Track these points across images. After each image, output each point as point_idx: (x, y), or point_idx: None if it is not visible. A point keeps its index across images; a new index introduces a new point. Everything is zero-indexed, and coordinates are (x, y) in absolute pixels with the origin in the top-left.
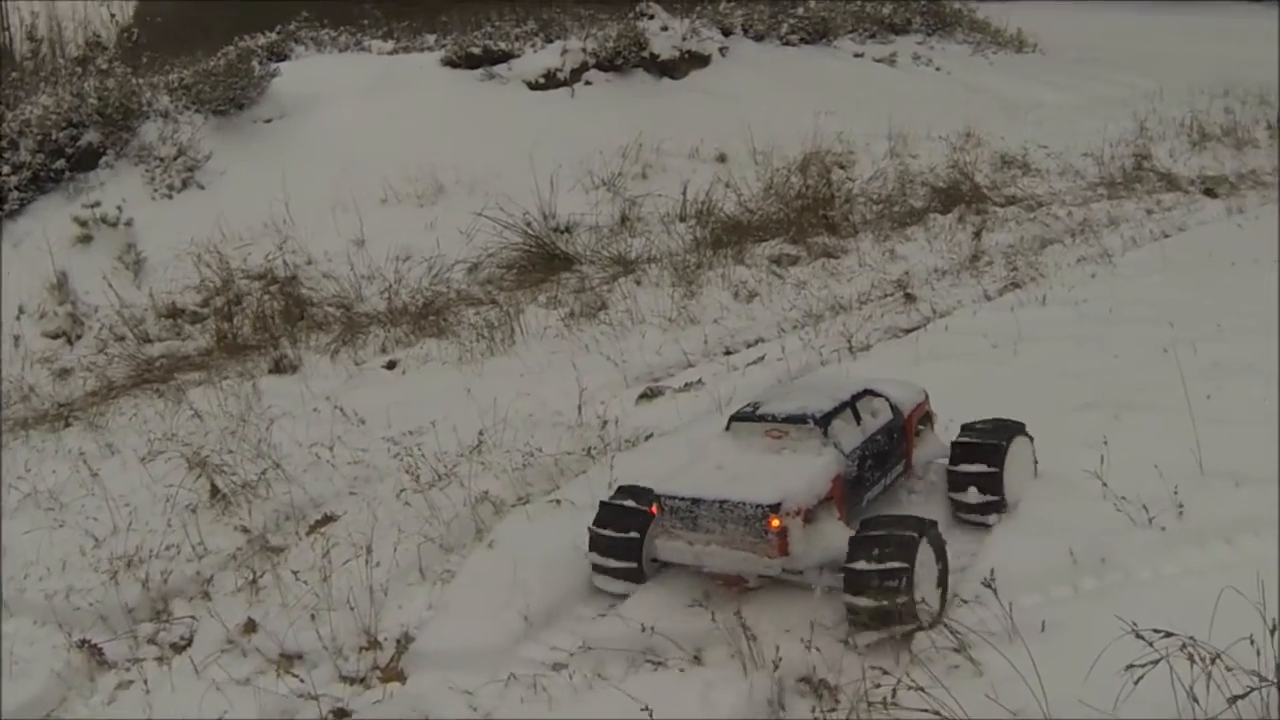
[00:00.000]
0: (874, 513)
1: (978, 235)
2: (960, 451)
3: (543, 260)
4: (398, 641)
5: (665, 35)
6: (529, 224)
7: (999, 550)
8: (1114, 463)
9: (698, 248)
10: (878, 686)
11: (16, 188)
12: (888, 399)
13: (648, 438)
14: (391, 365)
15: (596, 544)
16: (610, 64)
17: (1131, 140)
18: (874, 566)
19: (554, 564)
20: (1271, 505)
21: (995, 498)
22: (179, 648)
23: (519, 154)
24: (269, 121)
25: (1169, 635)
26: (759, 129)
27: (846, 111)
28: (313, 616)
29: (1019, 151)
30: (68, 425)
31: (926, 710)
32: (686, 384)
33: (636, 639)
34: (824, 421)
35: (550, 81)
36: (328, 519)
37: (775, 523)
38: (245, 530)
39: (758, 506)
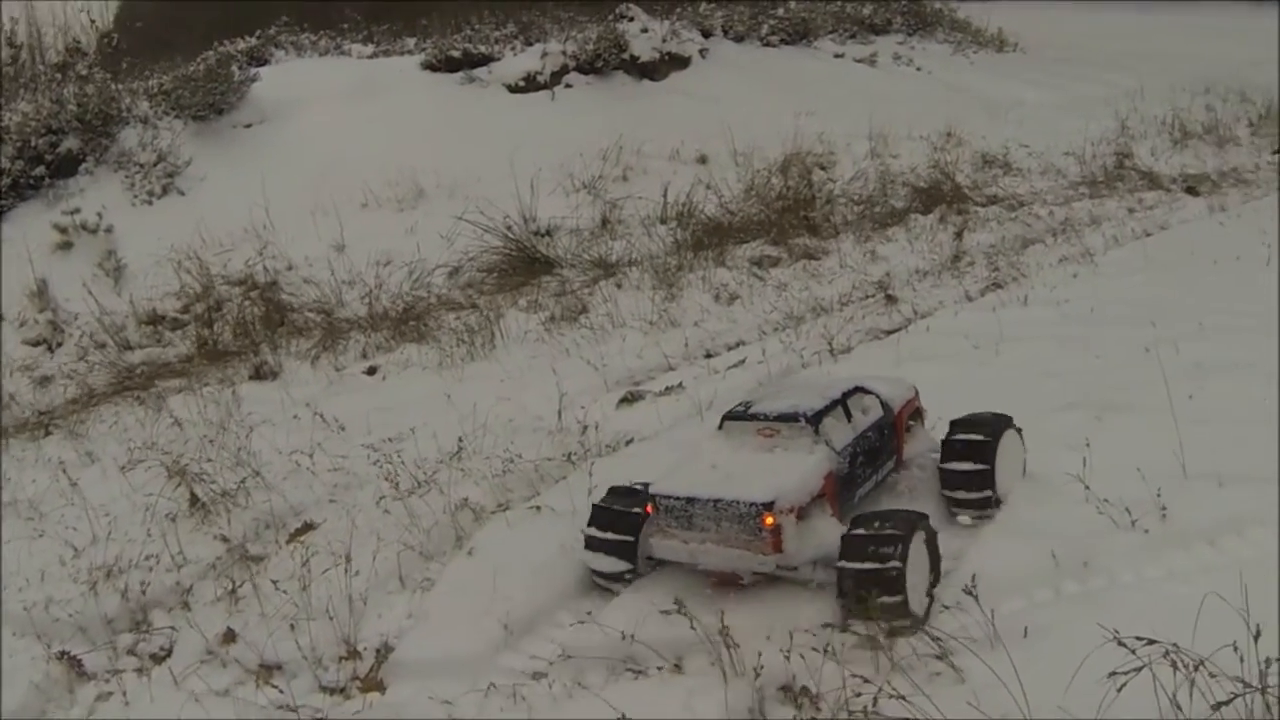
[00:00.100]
0: (866, 508)
1: (959, 235)
2: (952, 447)
3: (523, 264)
4: (377, 651)
5: (645, 37)
6: (509, 227)
7: (981, 554)
8: (1096, 464)
9: (678, 250)
10: (858, 695)
11: None
12: (878, 396)
13: (628, 442)
14: (372, 371)
15: (592, 543)
16: (590, 66)
17: (1113, 139)
18: (866, 564)
19: (534, 571)
20: (1255, 505)
21: (988, 502)
22: (158, 658)
23: (499, 157)
24: (249, 126)
25: (1151, 643)
26: (739, 130)
27: (827, 112)
28: (292, 626)
29: (1000, 151)
30: (48, 434)
31: (908, 718)
32: (667, 388)
33: (617, 647)
34: (815, 420)
35: (530, 84)
36: (307, 527)
37: (769, 520)
38: (225, 539)
39: (751, 504)
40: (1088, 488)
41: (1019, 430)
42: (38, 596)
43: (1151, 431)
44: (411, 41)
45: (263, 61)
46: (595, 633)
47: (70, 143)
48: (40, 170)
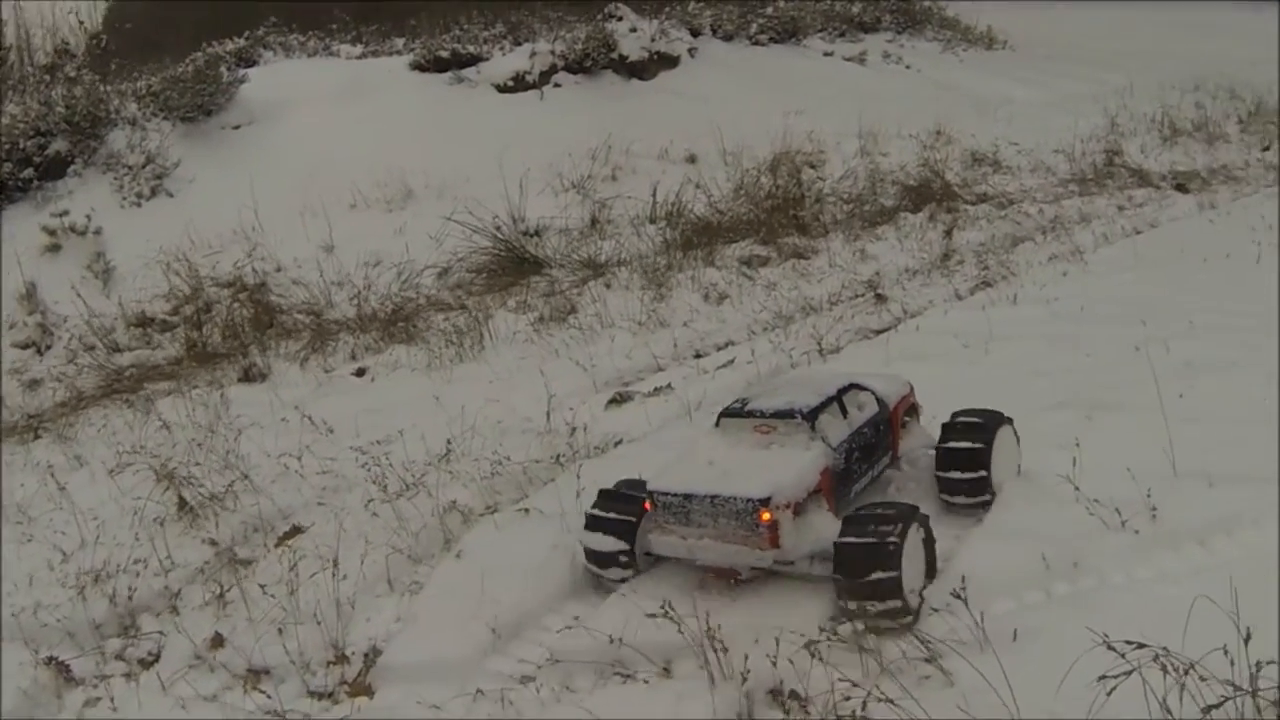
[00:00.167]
0: (861, 504)
1: (949, 234)
2: (949, 442)
3: (512, 264)
4: (365, 655)
5: (634, 36)
6: (498, 228)
7: (971, 556)
8: (1086, 464)
9: (667, 250)
10: (847, 699)
11: None
12: (873, 392)
13: (617, 444)
14: (361, 373)
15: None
16: (579, 66)
17: (1103, 136)
18: (864, 539)
19: (522, 574)
20: (1246, 505)
21: (984, 486)
22: (146, 664)
23: (488, 157)
24: (237, 128)
25: (1141, 646)
26: (729, 129)
27: (816, 111)
28: (280, 631)
29: (990, 149)
30: (37, 437)
31: None
32: (656, 388)
33: (605, 651)
34: (811, 416)
35: (519, 84)
36: (296, 530)
37: (766, 516)
38: (213, 543)
39: (748, 500)
40: (1077, 488)
41: (1014, 428)
42: (26, 601)
43: (1142, 431)
44: (400, 42)
45: (251, 63)
46: (583, 636)
47: (58, 144)
48: (29, 172)
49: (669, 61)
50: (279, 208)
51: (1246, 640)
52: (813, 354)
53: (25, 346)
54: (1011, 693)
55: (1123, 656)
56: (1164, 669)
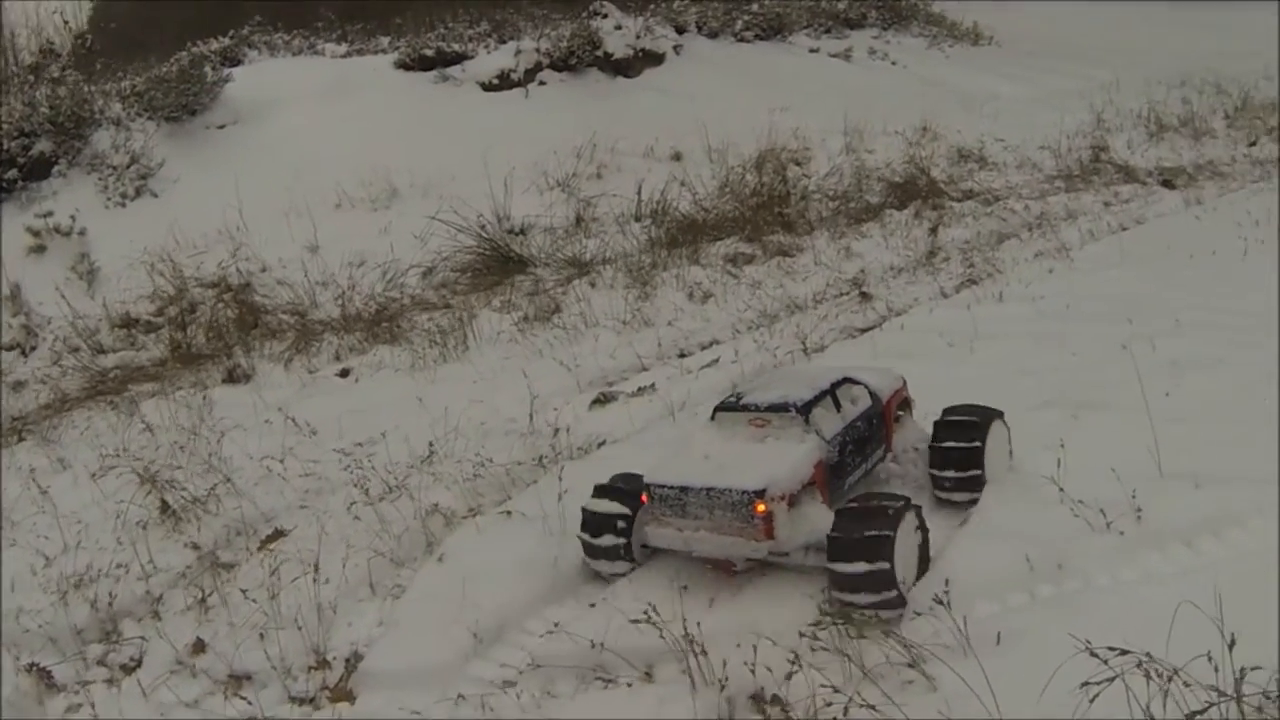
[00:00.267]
0: (855, 495)
1: (934, 231)
2: (942, 435)
3: (497, 263)
4: (347, 661)
5: (619, 34)
6: (483, 227)
7: (955, 558)
8: (1071, 465)
9: (652, 248)
10: (829, 705)
11: None
12: (867, 386)
13: (600, 445)
14: (345, 373)
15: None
16: (564, 64)
17: (1089, 132)
18: (858, 533)
19: (503, 578)
20: (1232, 505)
21: (978, 483)
22: (128, 669)
23: (473, 156)
24: (222, 128)
25: (1124, 653)
26: (714, 126)
27: (802, 107)
28: (261, 636)
29: (976, 145)
30: (20, 440)
31: None
32: (639, 388)
33: (586, 656)
34: (805, 410)
35: (504, 82)
36: (278, 534)
37: (761, 508)
38: (195, 547)
39: (744, 493)
40: (1062, 489)
41: (1004, 421)
42: (8, 607)
43: (1127, 431)
44: (385, 40)
45: (236, 62)
46: (565, 641)
47: (43, 145)
48: (13, 173)
49: (654, 59)
50: (264, 207)
51: (1231, 646)
52: (797, 353)
53: (9, 348)
54: (994, 698)
55: (1105, 663)
56: (1147, 675)
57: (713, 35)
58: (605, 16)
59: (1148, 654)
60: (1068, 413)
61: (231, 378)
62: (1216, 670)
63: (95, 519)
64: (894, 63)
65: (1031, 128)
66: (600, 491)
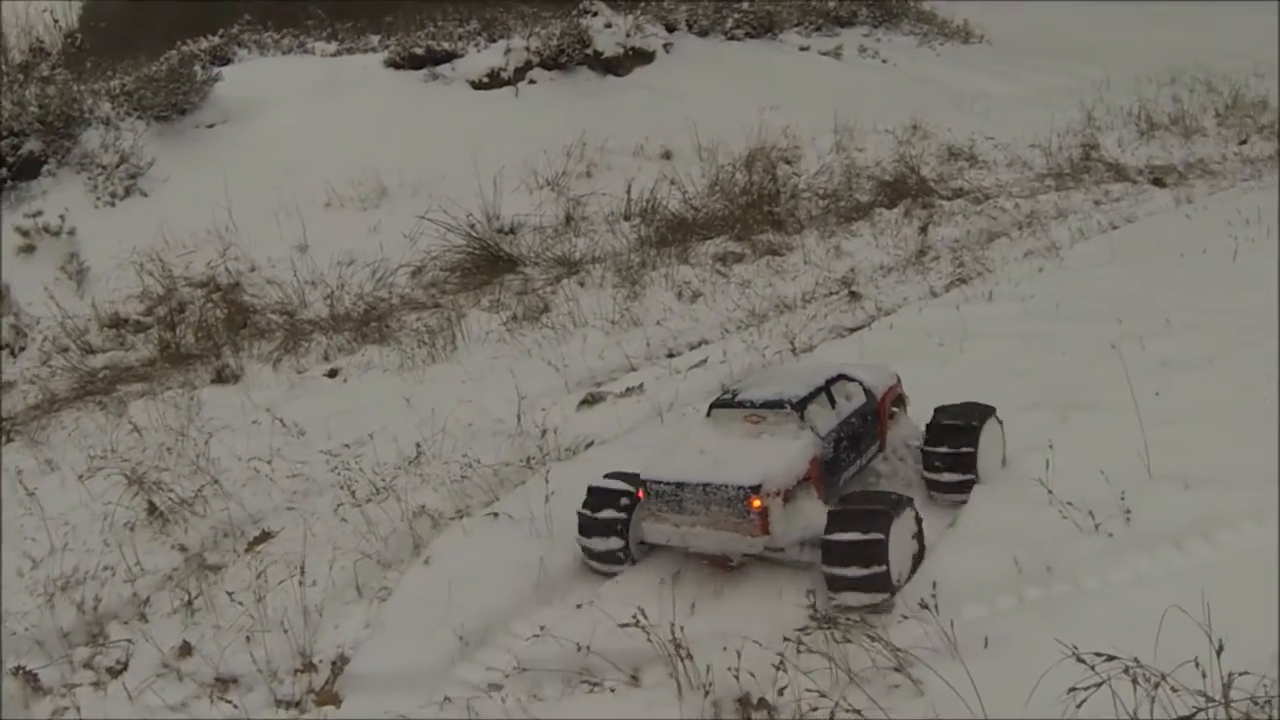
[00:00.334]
0: (849, 492)
1: (924, 230)
2: (935, 432)
3: (486, 262)
4: (333, 664)
5: (609, 32)
6: (472, 226)
7: (943, 560)
8: (1060, 466)
9: (642, 247)
10: (815, 710)
11: None
12: (861, 383)
13: (588, 446)
14: (333, 374)
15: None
16: (554, 62)
17: (1079, 130)
18: (851, 535)
19: (490, 580)
20: (1221, 507)
21: (969, 486)
22: (115, 672)
23: (463, 155)
24: (211, 126)
25: (1111, 659)
26: (704, 125)
27: (792, 106)
28: (248, 639)
29: (966, 143)
30: (9, 440)
31: None
32: (628, 389)
33: (572, 659)
34: (800, 406)
35: (494, 81)
36: (265, 536)
37: (756, 503)
38: (183, 549)
39: (739, 488)
40: (1050, 491)
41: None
42: None
43: (1117, 431)
44: (375, 39)
45: (225, 61)
46: (551, 644)
47: (32, 144)
48: (2, 173)
49: (644, 57)
50: (253, 207)
51: (1219, 651)
52: (785, 353)
53: None
54: (980, 702)
55: (1092, 669)
56: (1134, 680)
57: (703, 33)
58: (595, 15)
59: (1135, 659)
60: (1057, 413)
61: (220, 378)
62: (1204, 676)
63: (82, 521)
64: (884, 61)
65: (1022, 126)
66: (594, 492)
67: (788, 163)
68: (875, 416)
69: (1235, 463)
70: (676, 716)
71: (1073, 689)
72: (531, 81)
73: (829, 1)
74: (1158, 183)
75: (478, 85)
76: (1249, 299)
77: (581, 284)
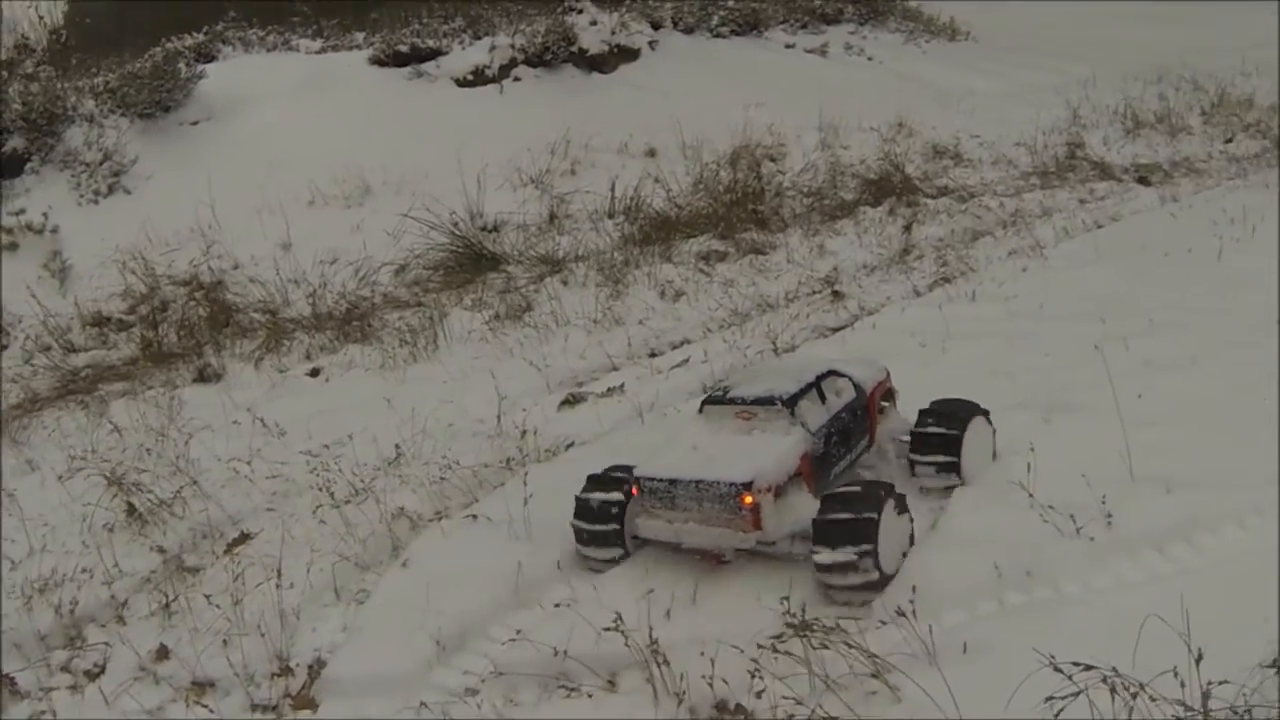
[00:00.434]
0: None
1: (908, 228)
2: (923, 427)
3: (469, 261)
4: (310, 668)
5: (594, 30)
6: (456, 224)
7: (922, 565)
8: (1042, 469)
9: (625, 245)
10: (791, 717)
11: None
12: (851, 378)
13: (568, 447)
14: (315, 373)
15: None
16: (539, 59)
17: (1065, 128)
18: (842, 515)
19: (467, 583)
20: (1204, 510)
21: (954, 470)
22: (92, 675)
23: (447, 152)
24: (196, 124)
25: (1089, 669)
26: (689, 123)
27: (777, 103)
28: (225, 642)
29: (951, 141)
30: None
31: None
32: (609, 389)
33: (549, 664)
34: (791, 403)
35: (479, 78)
36: (244, 537)
37: (748, 500)
38: (161, 550)
39: (731, 485)
40: (1031, 495)
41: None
42: None
43: (1099, 434)
44: (360, 36)
45: (210, 58)
46: (528, 649)
47: (15, 142)
48: None
49: (629, 55)
50: (237, 205)
51: (1198, 660)
52: (767, 353)
53: None
54: (957, 709)
55: (1069, 679)
56: (1112, 690)
57: (688, 31)
58: (580, 12)
59: (1114, 669)
60: (1039, 415)
61: (202, 377)
62: (1183, 685)
63: (62, 521)
64: (870, 58)
65: (1007, 124)
66: (593, 482)
67: (772, 160)
68: (865, 411)
69: (1217, 465)
70: None
71: (1050, 698)
72: (516, 79)
73: None
74: (1143, 181)
75: (462, 83)
76: (1233, 298)
77: (564, 283)
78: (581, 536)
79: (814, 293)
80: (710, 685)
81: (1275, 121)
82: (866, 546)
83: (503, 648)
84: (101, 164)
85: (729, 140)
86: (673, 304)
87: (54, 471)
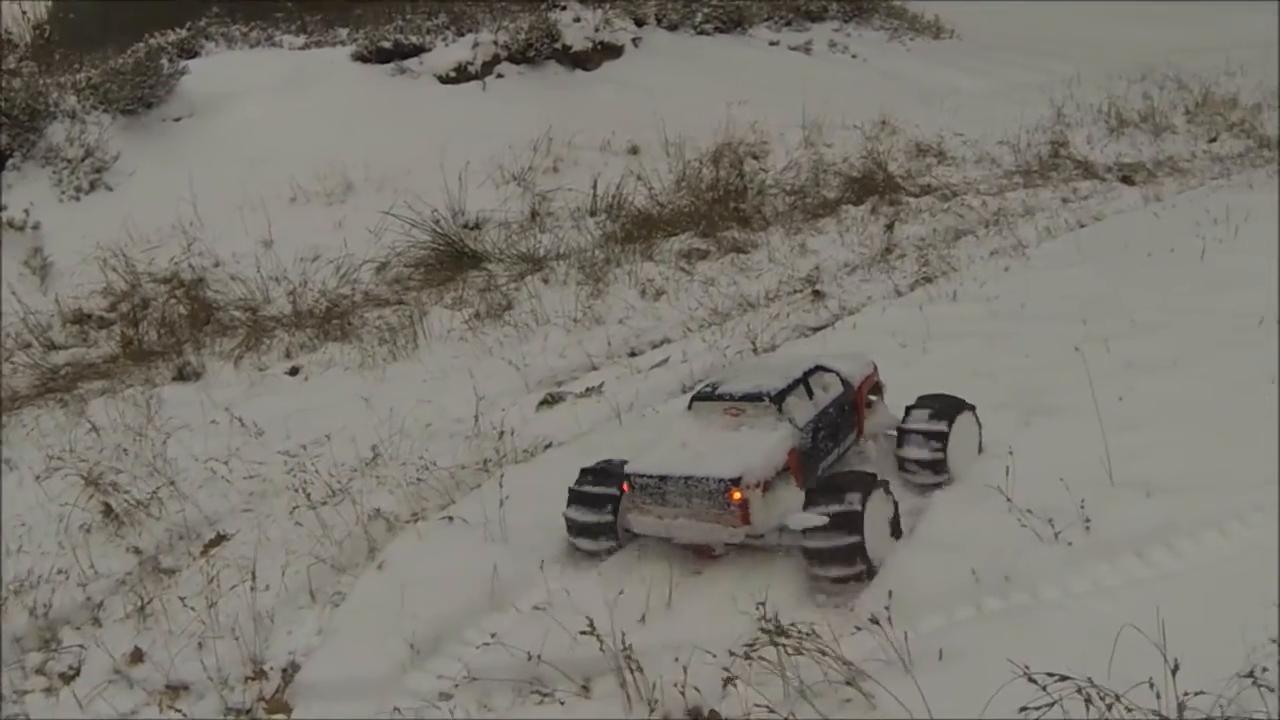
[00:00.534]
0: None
1: (890, 227)
2: (910, 422)
3: (451, 259)
4: (284, 671)
5: (578, 26)
6: (438, 221)
7: (899, 570)
8: (1021, 472)
9: (606, 243)
10: None
11: None
12: (838, 373)
13: (546, 448)
14: (294, 371)
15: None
16: (522, 56)
17: (1049, 127)
18: (830, 506)
19: (442, 586)
20: (1183, 515)
21: (941, 464)
22: (67, 678)
23: (430, 149)
24: (178, 120)
25: (1064, 679)
26: (672, 120)
27: (761, 101)
28: (200, 645)
29: (935, 140)
30: None
31: None
32: (588, 389)
33: (523, 669)
34: (778, 399)
35: (462, 75)
36: (220, 538)
37: (736, 495)
38: (137, 552)
39: (720, 481)
40: (1009, 499)
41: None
42: None
43: (1079, 437)
44: (344, 32)
45: (193, 54)
46: (502, 653)
47: None
48: None
49: (613, 51)
50: (218, 201)
51: (1175, 671)
52: (747, 353)
53: None
54: (931, 717)
55: (1044, 689)
56: (1088, 700)
57: (672, 28)
58: (564, 9)
59: (1089, 679)
60: (1019, 417)
61: (181, 375)
62: (1159, 696)
63: (38, 522)
64: (854, 56)
65: (991, 122)
66: (586, 473)
67: (755, 158)
68: (853, 406)
69: (1198, 469)
70: None
71: (1024, 708)
72: (499, 76)
73: None
74: (1126, 180)
75: (445, 79)
76: (1216, 299)
77: (545, 281)
78: (573, 527)
79: (795, 292)
80: (683, 693)
81: (1258, 121)
82: (854, 539)
83: (477, 651)
84: (83, 160)
85: (712, 138)
86: (653, 303)
87: (32, 471)
